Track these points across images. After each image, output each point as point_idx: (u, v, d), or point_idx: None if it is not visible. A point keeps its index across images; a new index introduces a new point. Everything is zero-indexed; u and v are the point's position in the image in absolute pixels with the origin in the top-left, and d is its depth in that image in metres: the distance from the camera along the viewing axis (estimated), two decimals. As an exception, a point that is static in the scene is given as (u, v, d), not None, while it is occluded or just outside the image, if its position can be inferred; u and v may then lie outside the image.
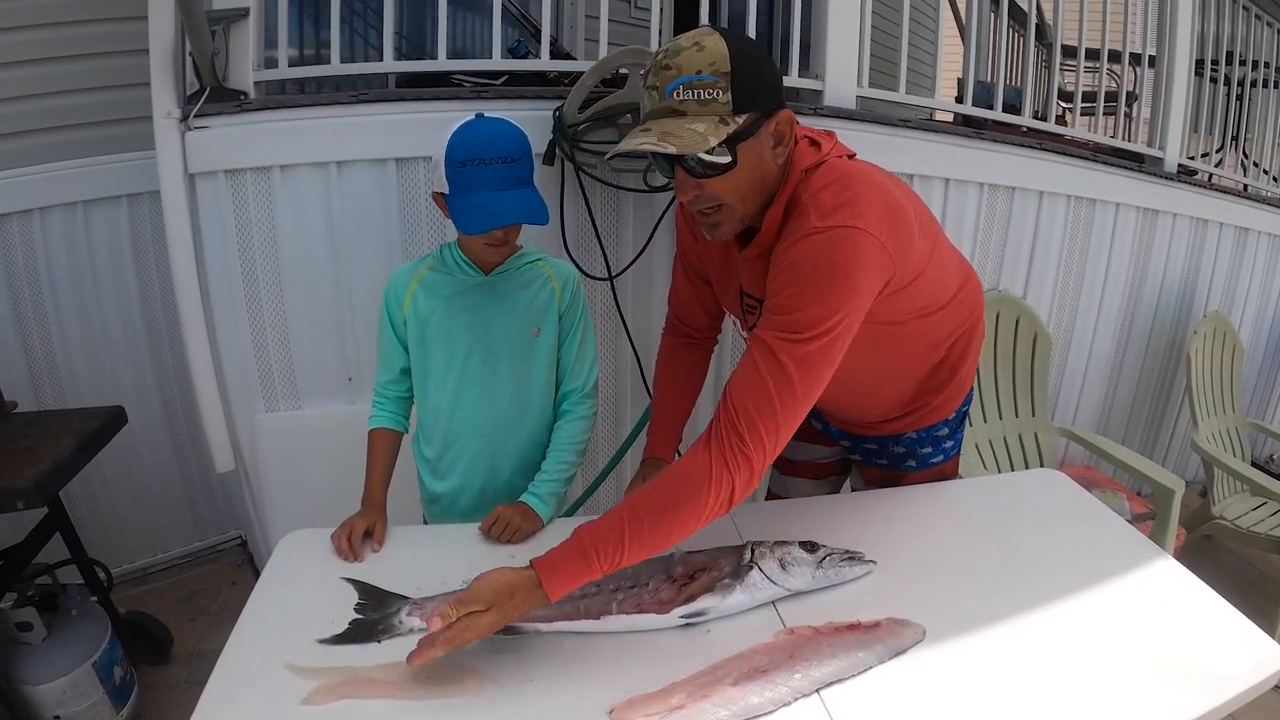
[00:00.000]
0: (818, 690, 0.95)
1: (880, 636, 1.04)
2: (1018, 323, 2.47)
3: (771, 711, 0.92)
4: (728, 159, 0.99)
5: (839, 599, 1.13)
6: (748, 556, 1.13)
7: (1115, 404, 3.01)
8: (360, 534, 1.25)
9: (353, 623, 1.08)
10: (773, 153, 1.04)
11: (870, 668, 0.99)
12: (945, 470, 1.50)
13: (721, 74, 0.95)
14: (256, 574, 2.46)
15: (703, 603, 1.07)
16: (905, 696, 0.96)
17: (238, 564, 2.57)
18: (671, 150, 0.95)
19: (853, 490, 1.65)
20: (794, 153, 1.07)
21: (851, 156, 1.13)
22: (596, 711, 0.92)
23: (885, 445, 1.49)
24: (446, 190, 1.23)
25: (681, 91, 0.96)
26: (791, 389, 0.99)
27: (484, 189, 1.21)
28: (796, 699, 0.94)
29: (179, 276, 1.76)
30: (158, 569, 2.48)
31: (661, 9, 2.01)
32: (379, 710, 0.94)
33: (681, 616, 1.06)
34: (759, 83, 0.98)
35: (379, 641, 1.05)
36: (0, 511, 1.45)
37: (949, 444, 1.49)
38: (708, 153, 0.97)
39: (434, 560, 1.23)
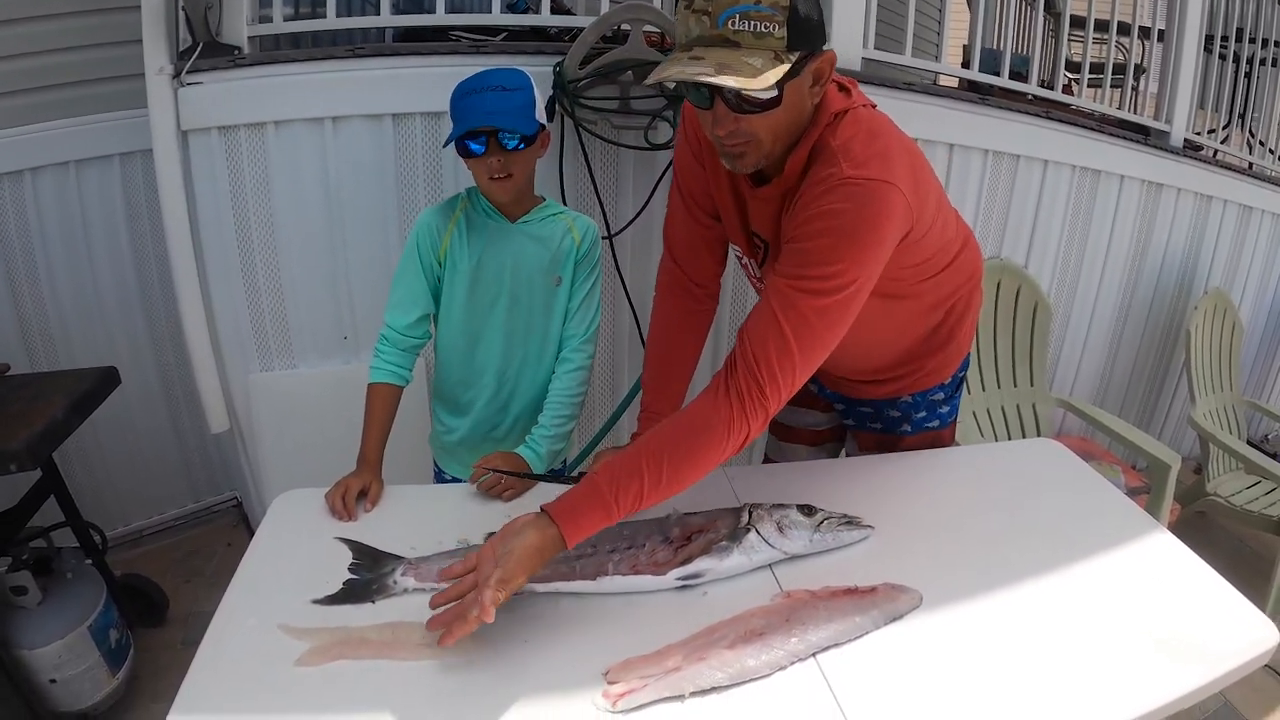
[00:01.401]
0: (814, 654, 0.95)
1: (877, 601, 1.03)
2: (1018, 292, 2.46)
3: (767, 675, 0.92)
4: (774, 94, 0.95)
5: (836, 563, 1.13)
6: (745, 519, 1.12)
7: (1113, 377, 3.01)
8: (355, 494, 1.25)
9: (347, 583, 1.07)
10: (810, 92, 1.01)
11: (867, 633, 0.99)
12: (941, 437, 1.49)
13: (781, 7, 0.91)
14: (251, 535, 2.46)
15: (699, 565, 1.06)
16: (901, 662, 0.96)
17: (233, 525, 2.57)
18: (732, 85, 0.89)
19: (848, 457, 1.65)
20: (826, 98, 1.05)
21: (874, 106, 1.11)
22: (591, 673, 0.91)
23: (880, 409, 1.48)
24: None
25: (737, 20, 0.90)
26: (812, 340, 0.99)
27: (474, 109, 1.26)
28: (792, 663, 0.93)
29: (172, 235, 1.74)
30: (152, 531, 2.48)
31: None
32: (373, 671, 0.93)
33: (678, 578, 1.06)
34: (813, 21, 0.95)
35: (373, 602, 1.04)
36: (-6, 475, 1.44)
37: (945, 409, 1.48)
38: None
39: (429, 520, 1.22)
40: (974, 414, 2.42)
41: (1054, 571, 1.13)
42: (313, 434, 1.92)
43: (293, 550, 1.17)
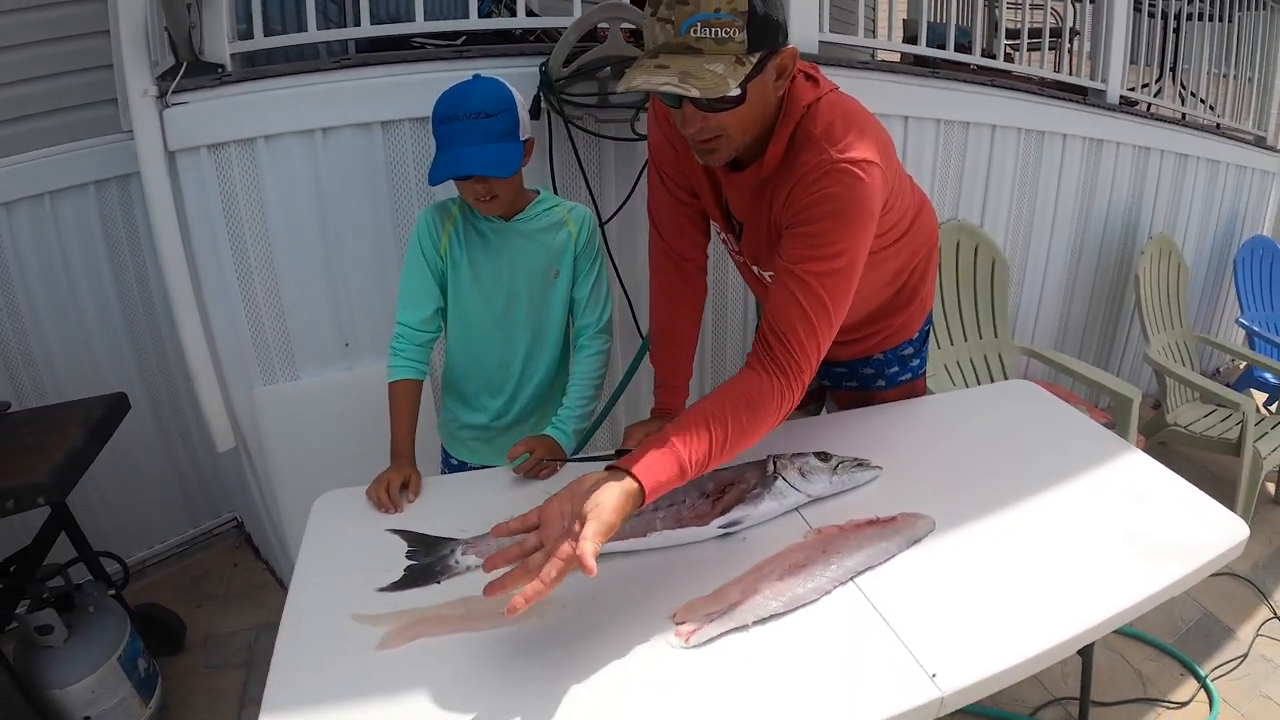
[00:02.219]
0: (852, 578, 1.05)
1: (898, 529, 1.14)
2: (976, 250, 2.60)
3: (816, 599, 1.01)
4: (738, 94, 1.02)
5: (855, 501, 1.23)
6: (771, 468, 1.21)
7: (1070, 323, 3.19)
8: (397, 486, 1.28)
9: (408, 569, 1.11)
10: (774, 86, 1.08)
11: (893, 556, 1.10)
12: (916, 387, 1.60)
13: (739, 13, 0.97)
14: (256, 553, 2.50)
15: (737, 513, 1.15)
16: (926, 577, 1.07)
17: (235, 545, 2.57)
18: (694, 94, 0.96)
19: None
20: (792, 87, 1.12)
21: (838, 90, 1.19)
22: (660, 618, 0.99)
23: (854, 368, 1.58)
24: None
25: (699, 29, 0.96)
26: (830, 314, 1.10)
27: (457, 144, 1.27)
28: (835, 587, 1.03)
29: (166, 256, 1.74)
30: (155, 560, 2.47)
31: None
32: (456, 644, 0.97)
33: (720, 527, 1.14)
34: (771, 21, 1.01)
35: (439, 583, 1.08)
36: (21, 510, 1.43)
37: (915, 362, 1.59)
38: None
39: (472, 506, 1.25)
40: (945, 367, 2.55)
41: (1042, 491, 1.26)
42: (321, 442, 1.94)
43: (342, 548, 1.19)
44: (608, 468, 0.97)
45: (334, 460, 1.78)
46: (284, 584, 2.32)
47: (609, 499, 0.91)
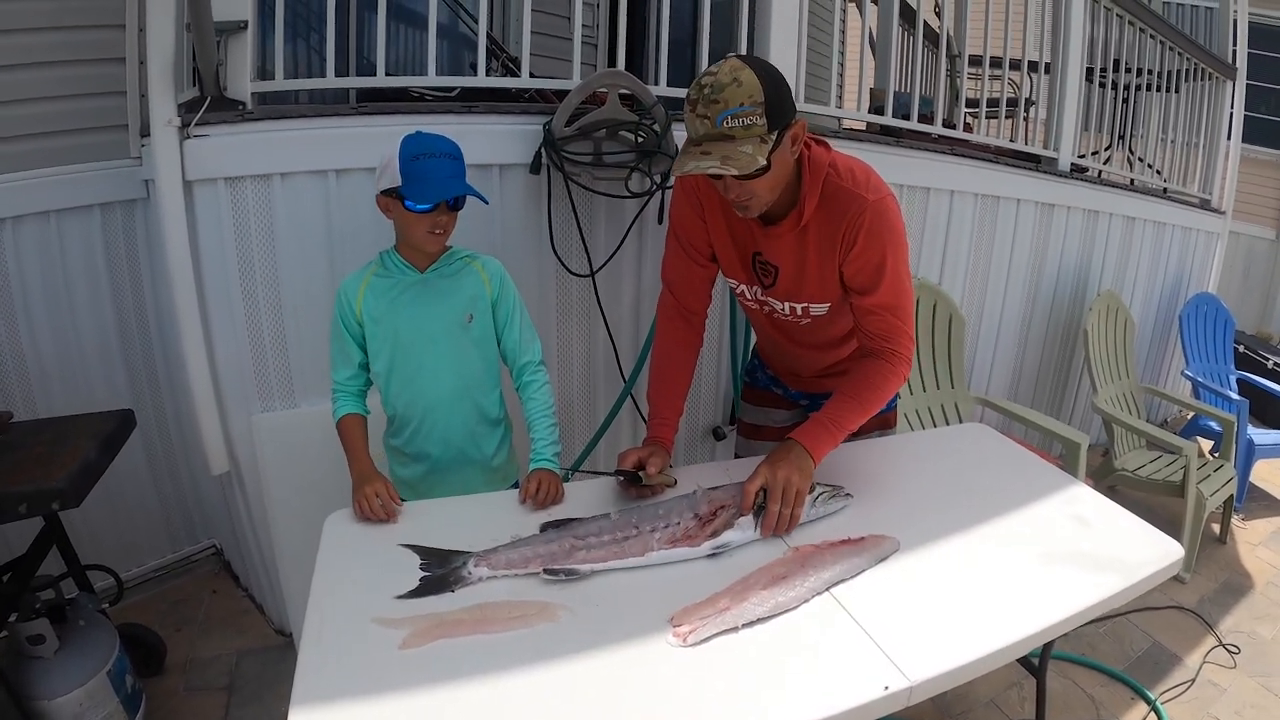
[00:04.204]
0: (828, 589, 1.18)
1: (867, 547, 1.28)
2: (935, 306, 2.78)
3: (796, 606, 1.14)
4: (765, 164, 1.25)
5: (829, 525, 1.37)
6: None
7: (1023, 375, 3.39)
8: (384, 494, 1.37)
9: (423, 579, 1.19)
10: (790, 151, 1.31)
11: (863, 570, 1.23)
12: (888, 419, 1.79)
13: (758, 104, 1.21)
14: (236, 581, 2.52)
15: (725, 537, 1.29)
16: (893, 588, 1.21)
17: (214, 573, 2.58)
18: (734, 173, 1.23)
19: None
20: (813, 152, 1.37)
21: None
22: (659, 621, 1.10)
23: None
24: (399, 183, 1.43)
25: (730, 121, 1.22)
26: (908, 308, 1.49)
27: (435, 176, 1.44)
28: (813, 596, 1.16)
29: (176, 281, 1.79)
30: (134, 582, 2.46)
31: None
32: (474, 646, 1.05)
33: (710, 549, 1.27)
34: (784, 104, 1.25)
35: (453, 591, 1.17)
36: (34, 514, 1.47)
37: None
38: None
39: (480, 523, 1.34)
40: (905, 415, 2.70)
41: (995, 516, 1.42)
42: (315, 470, 1.97)
43: (356, 561, 1.26)
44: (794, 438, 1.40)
45: (327, 489, 1.82)
46: (265, 611, 2.35)
47: (806, 462, 1.37)
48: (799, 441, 1.38)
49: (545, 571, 1.20)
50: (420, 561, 1.24)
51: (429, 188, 1.43)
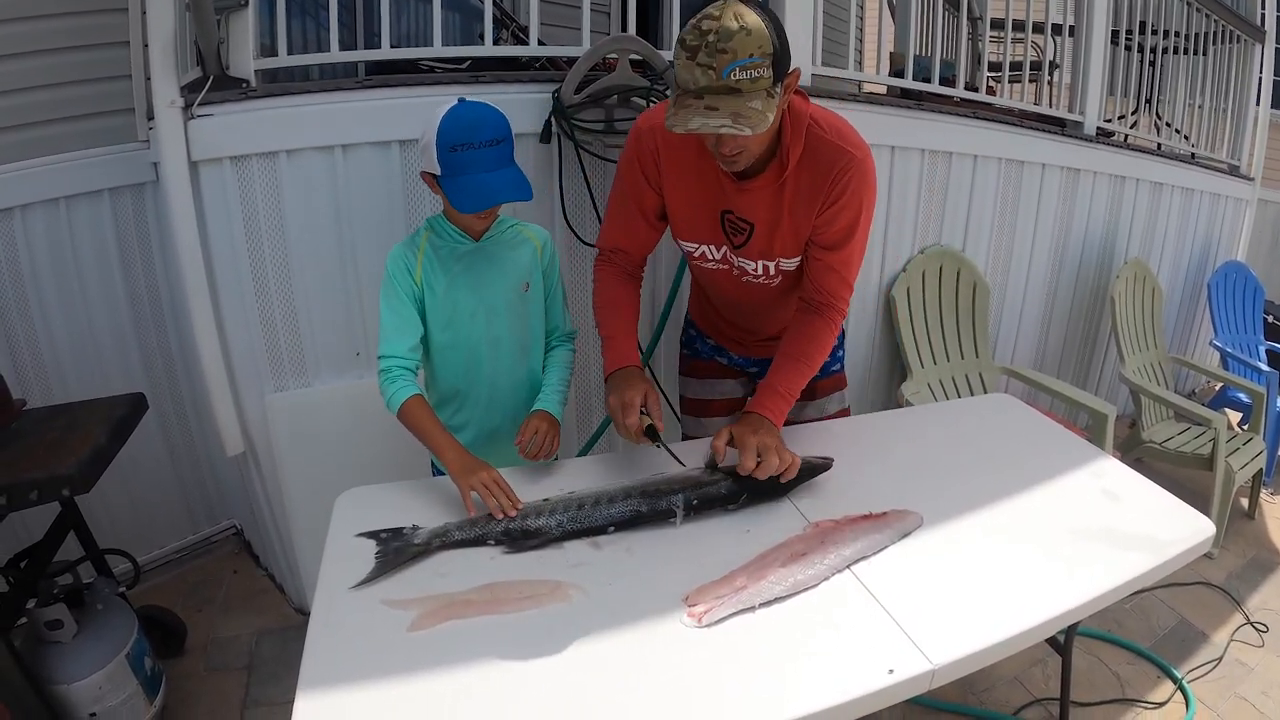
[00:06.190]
0: (848, 566, 1.14)
1: (890, 522, 1.24)
2: (959, 274, 2.71)
3: (815, 585, 1.10)
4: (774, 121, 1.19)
5: (849, 500, 1.32)
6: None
7: (1049, 344, 3.30)
8: (504, 485, 1.31)
9: (378, 558, 1.17)
10: (782, 101, 1.23)
11: (885, 547, 1.19)
12: (841, 379, 1.76)
13: (767, 54, 1.14)
14: (256, 561, 2.53)
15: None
16: (916, 566, 1.16)
17: (234, 553, 2.60)
18: (747, 131, 1.14)
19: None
20: (794, 103, 1.30)
21: None
22: (672, 601, 1.07)
23: None
24: (438, 171, 1.36)
25: (738, 73, 1.13)
26: (855, 269, 1.45)
27: (476, 170, 1.34)
28: (833, 573, 1.12)
29: (185, 263, 1.79)
30: (155, 565, 2.48)
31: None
32: (484, 627, 1.03)
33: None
34: (786, 54, 1.18)
35: (415, 562, 1.16)
36: (45, 501, 1.47)
37: (840, 352, 1.73)
38: None
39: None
40: (928, 385, 2.65)
41: (1021, 490, 1.36)
42: (330, 449, 1.99)
43: (366, 541, 1.23)
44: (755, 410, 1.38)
45: (342, 467, 1.83)
46: (285, 590, 2.36)
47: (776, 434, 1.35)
48: (757, 413, 1.36)
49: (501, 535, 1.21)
50: (375, 547, 1.21)
51: (468, 196, 1.34)
